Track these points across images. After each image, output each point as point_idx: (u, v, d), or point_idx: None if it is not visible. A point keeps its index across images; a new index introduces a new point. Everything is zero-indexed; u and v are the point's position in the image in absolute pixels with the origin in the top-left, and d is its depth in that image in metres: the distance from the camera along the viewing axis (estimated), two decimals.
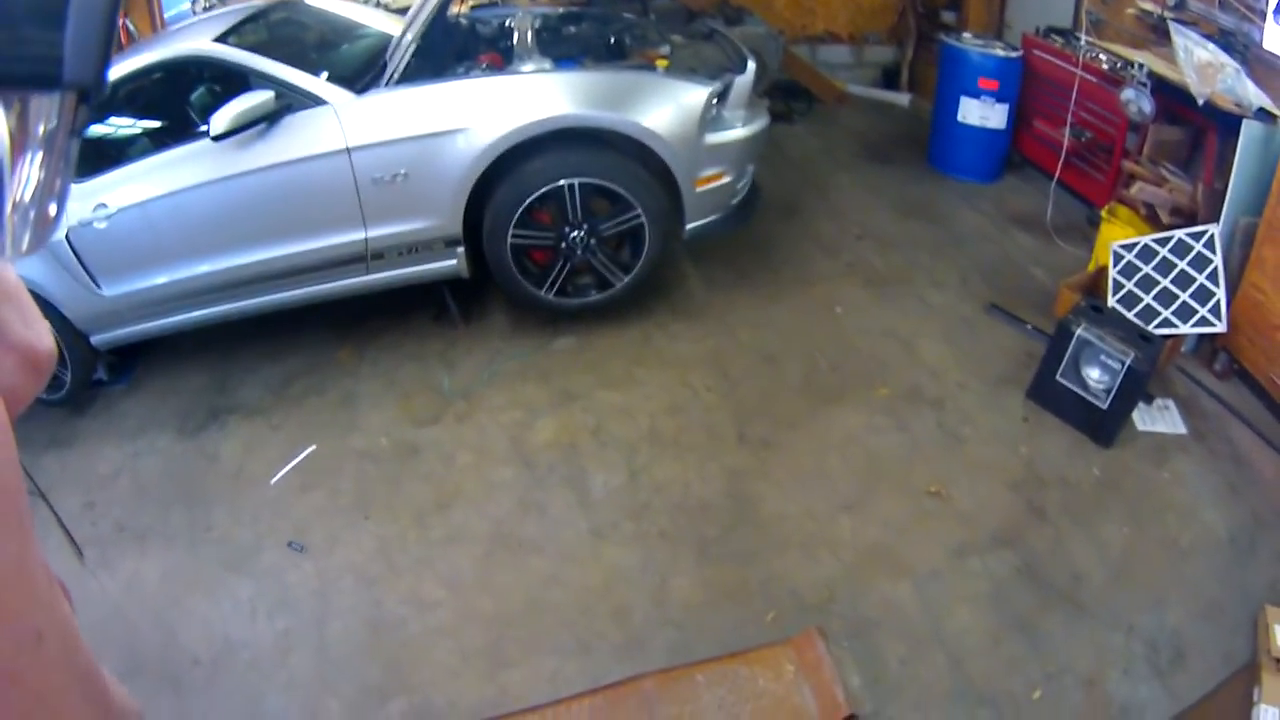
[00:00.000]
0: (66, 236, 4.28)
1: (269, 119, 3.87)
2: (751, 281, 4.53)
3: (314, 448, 4.08)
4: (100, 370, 4.95)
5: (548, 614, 3.12)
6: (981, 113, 5.39)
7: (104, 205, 4.21)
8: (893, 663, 2.84)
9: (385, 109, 3.99)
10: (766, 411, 3.77)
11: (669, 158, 3.94)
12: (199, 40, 4.25)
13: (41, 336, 0.56)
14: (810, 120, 6.47)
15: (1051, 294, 4.16)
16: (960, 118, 5.45)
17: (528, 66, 4.21)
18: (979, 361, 3.96)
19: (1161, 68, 4.27)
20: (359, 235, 4.10)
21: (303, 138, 3.94)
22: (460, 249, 4.18)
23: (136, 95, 4.56)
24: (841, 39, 6.81)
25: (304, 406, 4.36)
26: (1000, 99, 5.34)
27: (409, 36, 4.03)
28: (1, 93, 0.44)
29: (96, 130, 4.55)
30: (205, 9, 6.82)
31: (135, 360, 5.04)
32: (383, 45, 4.52)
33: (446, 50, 4.57)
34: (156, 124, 4.60)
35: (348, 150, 3.90)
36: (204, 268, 4.31)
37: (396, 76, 4.00)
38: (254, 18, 4.84)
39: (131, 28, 7.22)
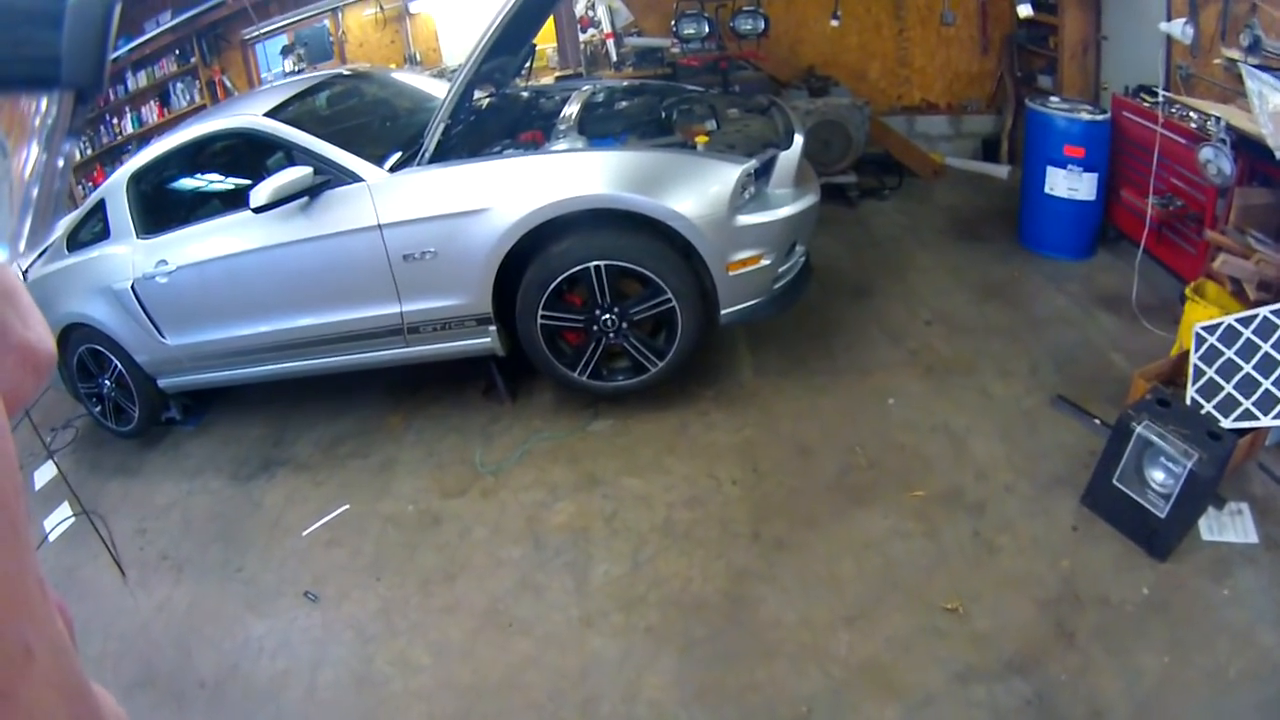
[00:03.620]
0: (132, 286, 4.74)
1: (309, 193, 4.10)
2: (805, 369, 4.44)
3: (347, 507, 4.26)
4: (174, 410, 5.40)
5: (519, 694, 3.12)
6: (1069, 183, 4.97)
7: (165, 262, 4.64)
8: None
9: (415, 188, 4.09)
10: (789, 510, 3.63)
11: (695, 240, 3.83)
12: (251, 113, 4.48)
13: (41, 337, 0.53)
14: (902, 196, 6.21)
15: (1129, 383, 3.79)
16: (1048, 189, 5.05)
17: (560, 145, 4.20)
18: (1034, 461, 3.65)
19: (1241, 121, 3.84)
20: (394, 309, 4.29)
21: (339, 213, 4.14)
22: (492, 328, 4.26)
23: (201, 161, 4.98)
24: (939, 109, 6.46)
25: (347, 467, 4.57)
26: (1088, 168, 4.92)
27: (438, 116, 4.11)
28: (3, 92, 0.45)
29: (166, 189, 4.99)
30: (295, 71, 7.19)
31: (207, 405, 5.47)
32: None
33: (491, 127, 4.72)
34: (217, 190, 4.98)
35: (379, 227, 4.08)
36: (252, 329, 4.64)
37: (428, 156, 4.10)
38: (320, 87, 5.13)
39: (229, 84, 7.74)
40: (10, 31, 0.44)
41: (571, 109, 4.62)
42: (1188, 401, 3.44)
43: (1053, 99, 5.09)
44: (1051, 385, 4.04)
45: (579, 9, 6.78)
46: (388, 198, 4.05)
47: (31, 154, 0.47)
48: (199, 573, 4.10)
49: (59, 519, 4.86)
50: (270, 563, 4.02)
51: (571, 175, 3.89)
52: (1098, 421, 3.69)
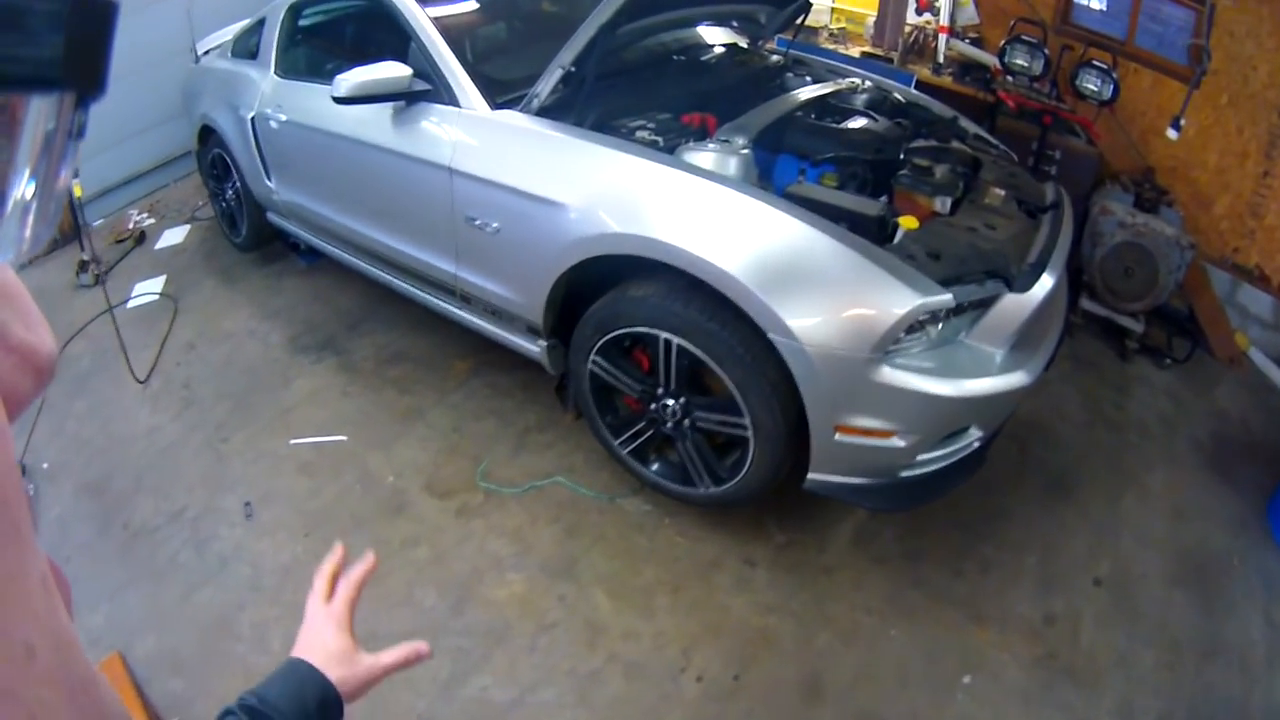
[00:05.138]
0: (253, 119, 4.18)
1: (405, 98, 3.21)
2: (911, 571, 3.09)
3: (344, 439, 3.65)
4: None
5: None
6: None
7: (281, 109, 4.01)
8: None
9: (504, 140, 3.05)
10: None
11: (799, 371, 2.52)
12: None
13: (42, 339, 0.55)
14: (1182, 371, 4.32)
15: None
16: None
17: (704, 154, 2.86)
18: None
19: None
20: (450, 268, 3.39)
21: (423, 135, 3.23)
22: (542, 343, 3.25)
23: (347, 19, 4.22)
24: (1271, 287, 4.30)
25: (381, 394, 3.91)
26: None
27: (562, 58, 2.98)
28: (2, 93, 0.43)
29: (308, 35, 4.33)
30: None
31: None
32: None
33: (669, 87, 3.50)
34: (345, 54, 4.06)
35: (450, 171, 3.11)
36: (331, 213, 3.99)
37: (539, 103, 3.04)
38: None
39: None
40: (11, 32, 0.41)
41: (792, 99, 3.39)
42: None
43: None
44: None
45: None
46: (474, 139, 3.09)
47: (32, 156, 0.45)
48: (196, 421, 3.78)
49: (148, 290, 4.74)
50: (248, 452, 3.58)
51: (677, 209, 2.64)
52: None
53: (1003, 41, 4.31)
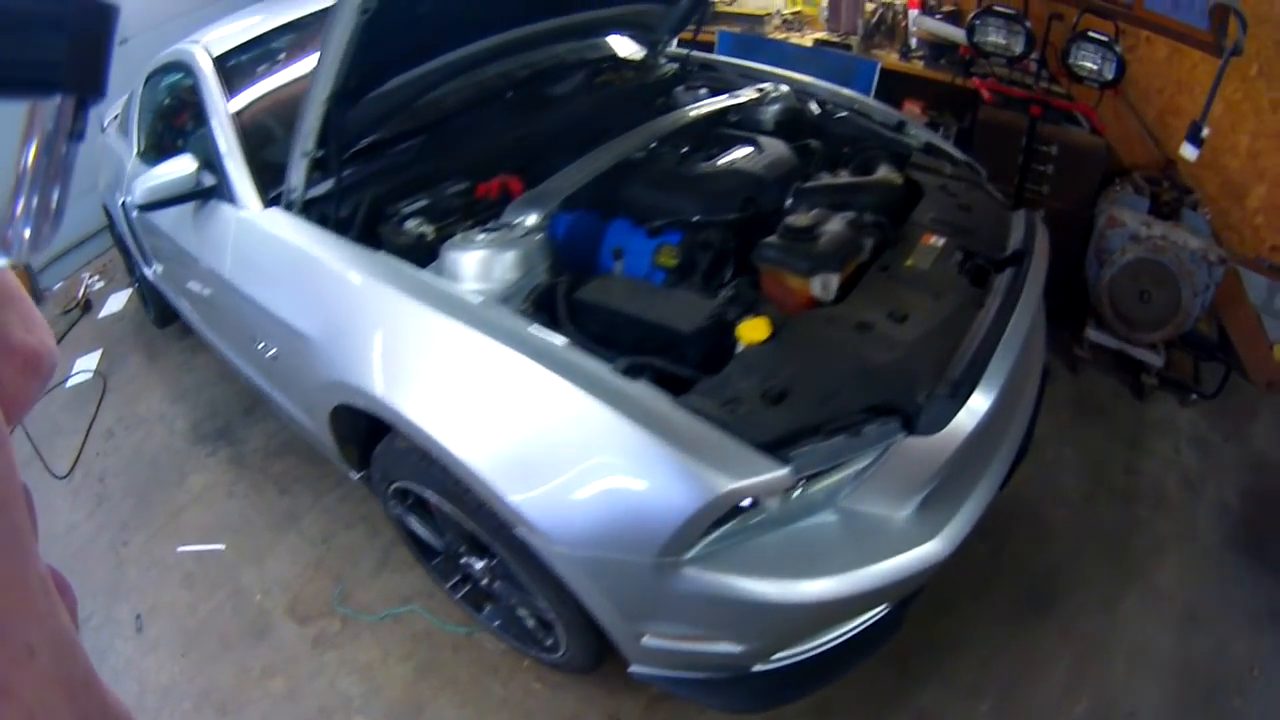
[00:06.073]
0: (123, 204, 3.72)
1: (198, 197, 2.66)
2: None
3: (222, 549, 3.33)
4: None
5: None
6: None
7: (134, 196, 3.52)
8: None
9: (267, 247, 2.45)
10: None
11: (570, 580, 1.89)
12: (202, 44, 3.01)
13: (43, 340, 0.52)
14: (1213, 407, 3.38)
15: None
16: None
17: (469, 253, 2.14)
18: None
19: None
20: (265, 385, 2.87)
21: (209, 238, 2.69)
22: (354, 475, 2.71)
23: (184, 92, 3.53)
24: None
25: (262, 494, 3.54)
26: None
27: (303, 143, 2.30)
28: (3, 96, 0.42)
29: (159, 110, 3.75)
30: None
31: None
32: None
33: (475, 141, 2.78)
34: (180, 136, 3.50)
35: (228, 284, 2.59)
36: (186, 312, 3.55)
37: (298, 198, 2.41)
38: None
39: None
40: (12, 35, 0.41)
41: (655, 128, 2.73)
42: None
43: None
44: None
45: None
46: (243, 246, 2.53)
47: (34, 157, 0.44)
48: (106, 519, 3.54)
49: (85, 367, 4.55)
50: (144, 558, 3.31)
51: (408, 361, 2.01)
52: None
53: (971, 15, 3.45)
